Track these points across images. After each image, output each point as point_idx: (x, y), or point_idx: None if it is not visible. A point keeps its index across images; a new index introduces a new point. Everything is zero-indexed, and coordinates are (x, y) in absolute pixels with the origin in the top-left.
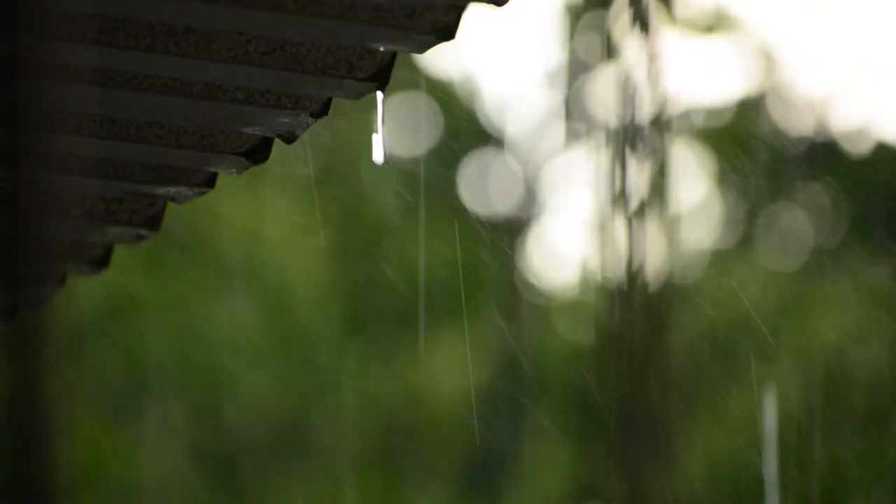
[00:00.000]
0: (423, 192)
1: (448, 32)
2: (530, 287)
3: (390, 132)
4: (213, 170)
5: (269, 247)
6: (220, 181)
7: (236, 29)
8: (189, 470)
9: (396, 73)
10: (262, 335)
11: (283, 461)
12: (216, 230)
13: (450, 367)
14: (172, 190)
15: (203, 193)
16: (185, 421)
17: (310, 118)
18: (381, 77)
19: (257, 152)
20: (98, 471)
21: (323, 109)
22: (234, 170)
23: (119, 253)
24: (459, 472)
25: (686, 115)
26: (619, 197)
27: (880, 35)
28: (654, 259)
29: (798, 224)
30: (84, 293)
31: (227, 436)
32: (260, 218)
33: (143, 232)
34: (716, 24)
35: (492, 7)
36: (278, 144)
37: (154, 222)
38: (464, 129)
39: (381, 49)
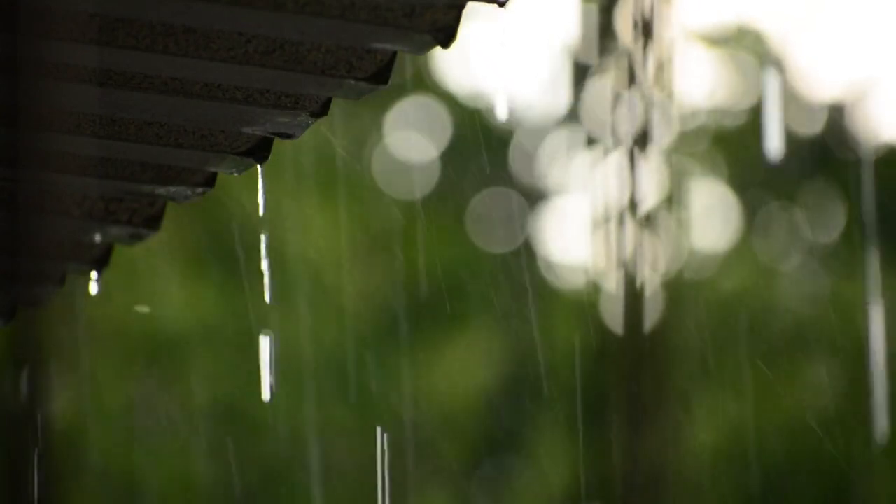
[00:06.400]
0: (428, 193)
1: (448, 32)
2: (538, 288)
3: (400, 135)
4: (213, 170)
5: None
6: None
7: (236, 29)
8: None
9: (404, 76)
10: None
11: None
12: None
13: (454, 369)
14: (172, 190)
15: (203, 193)
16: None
17: (310, 118)
18: (380, 77)
19: (257, 152)
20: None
21: (323, 109)
22: (234, 170)
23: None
24: (471, 469)
25: (695, 119)
26: (627, 200)
27: (891, 39)
28: (662, 261)
29: (807, 226)
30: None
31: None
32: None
33: (143, 232)
34: (725, 27)
35: (493, 6)
36: (285, 144)
37: (154, 222)
38: (471, 132)
39: (381, 49)
